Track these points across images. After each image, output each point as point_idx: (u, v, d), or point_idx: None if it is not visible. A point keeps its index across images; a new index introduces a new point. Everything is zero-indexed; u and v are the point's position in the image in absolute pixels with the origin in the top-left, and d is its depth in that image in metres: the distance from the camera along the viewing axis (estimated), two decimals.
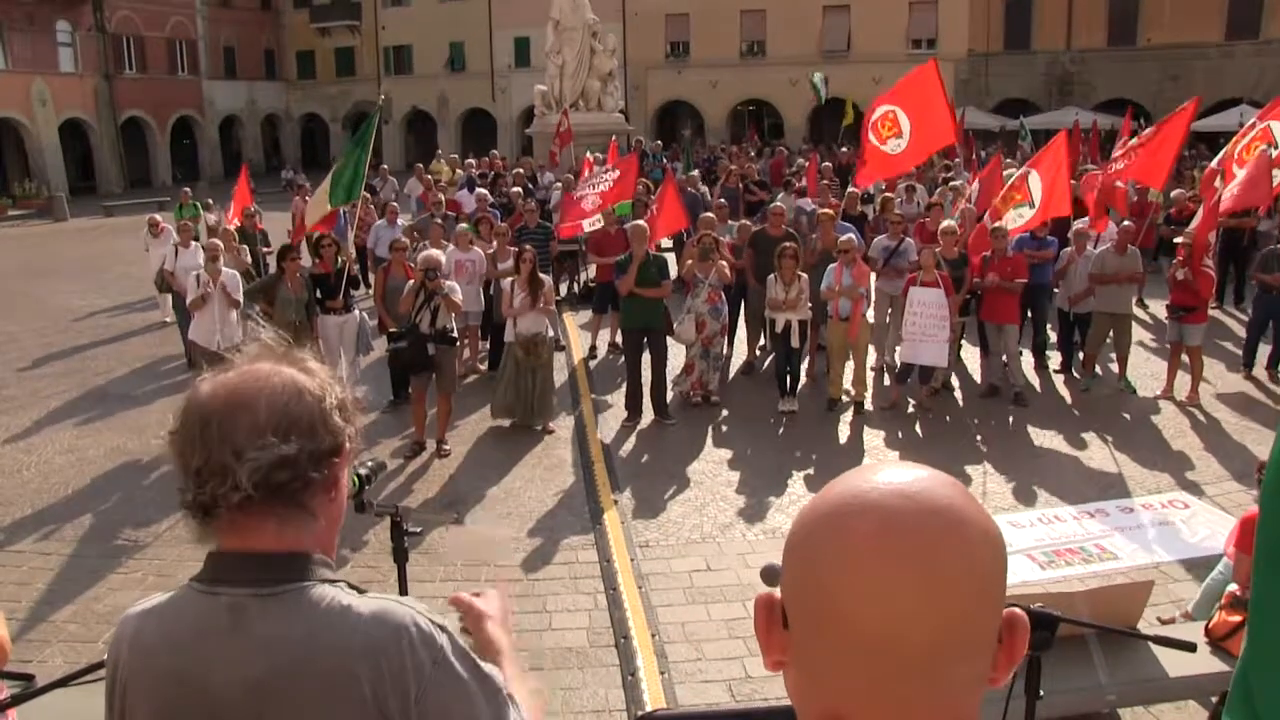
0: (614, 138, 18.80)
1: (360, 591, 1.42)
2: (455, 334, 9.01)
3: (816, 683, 0.86)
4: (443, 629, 1.41)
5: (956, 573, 0.81)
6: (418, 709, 1.35)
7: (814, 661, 0.86)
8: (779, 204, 12.63)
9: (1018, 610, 0.88)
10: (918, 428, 9.37)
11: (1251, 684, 1.15)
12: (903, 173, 13.94)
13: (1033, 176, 10.38)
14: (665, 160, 25.51)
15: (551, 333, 9.51)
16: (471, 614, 1.72)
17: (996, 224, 10.10)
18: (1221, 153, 13.21)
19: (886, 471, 0.87)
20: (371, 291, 11.22)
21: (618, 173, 12.85)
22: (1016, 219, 10.30)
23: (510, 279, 9.28)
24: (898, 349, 9.87)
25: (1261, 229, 13.87)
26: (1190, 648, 3.09)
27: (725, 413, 9.74)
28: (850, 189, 14.74)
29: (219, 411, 1.36)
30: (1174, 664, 4.05)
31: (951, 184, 16.30)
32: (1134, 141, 12.72)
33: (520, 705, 1.48)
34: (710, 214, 11.46)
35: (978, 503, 0.86)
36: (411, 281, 8.77)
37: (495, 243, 11.15)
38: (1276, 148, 12.12)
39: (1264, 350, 10.66)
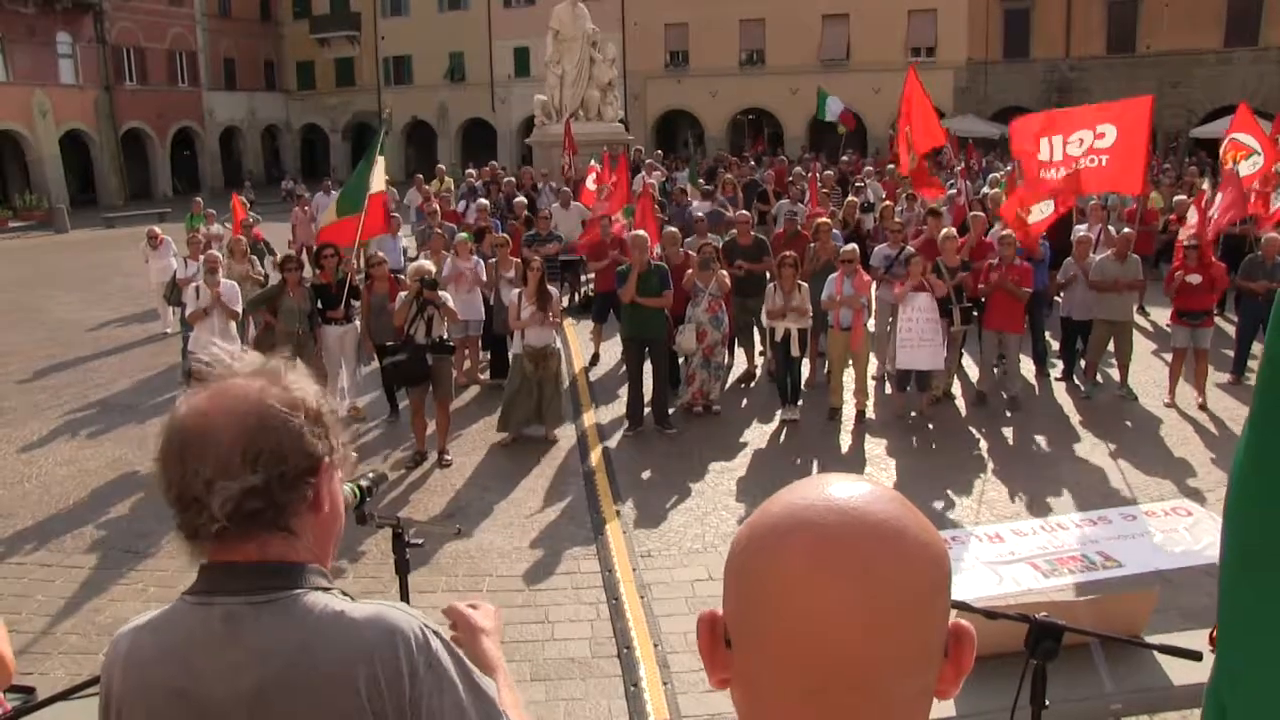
0: (606, 148, 18.82)
1: (352, 599, 1.42)
2: (452, 343, 9.01)
3: (758, 700, 0.86)
4: (437, 634, 1.41)
5: (891, 589, 0.81)
6: (412, 712, 1.35)
7: (754, 679, 0.86)
8: (744, 213, 12.60)
9: (963, 623, 0.88)
10: (919, 436, 9.35)
11: (1224, 697, 1.14)
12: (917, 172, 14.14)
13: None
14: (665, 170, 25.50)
15: (558, 344, 9.48)
16: (466, 627, 1.72)
17: (1012, 221, 10.23)
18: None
19: (827, 486, 0.86)
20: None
21: (614, 179, 13.13)
22: (1040, 213, 10.44)
23: (518, 290, 9.27)
24: (896, 356, 9.87)
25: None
26: (1196, 656, 3.07)
27: (726, 422, 9.73)
28: (850, 198, 14.78)
29: (189, 443, 1.35)
30: (1178, 672, 4.03)
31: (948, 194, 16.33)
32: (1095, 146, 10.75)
33: None
34: (674, 229, 11.13)
35: (920, 518, 0.85)
36: (404, 293, 8.77)
37: (496, 253, 11.14)
38: (1256, 154, 12.31)
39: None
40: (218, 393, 1.39)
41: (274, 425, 1.36)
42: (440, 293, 8.71)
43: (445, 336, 8.68)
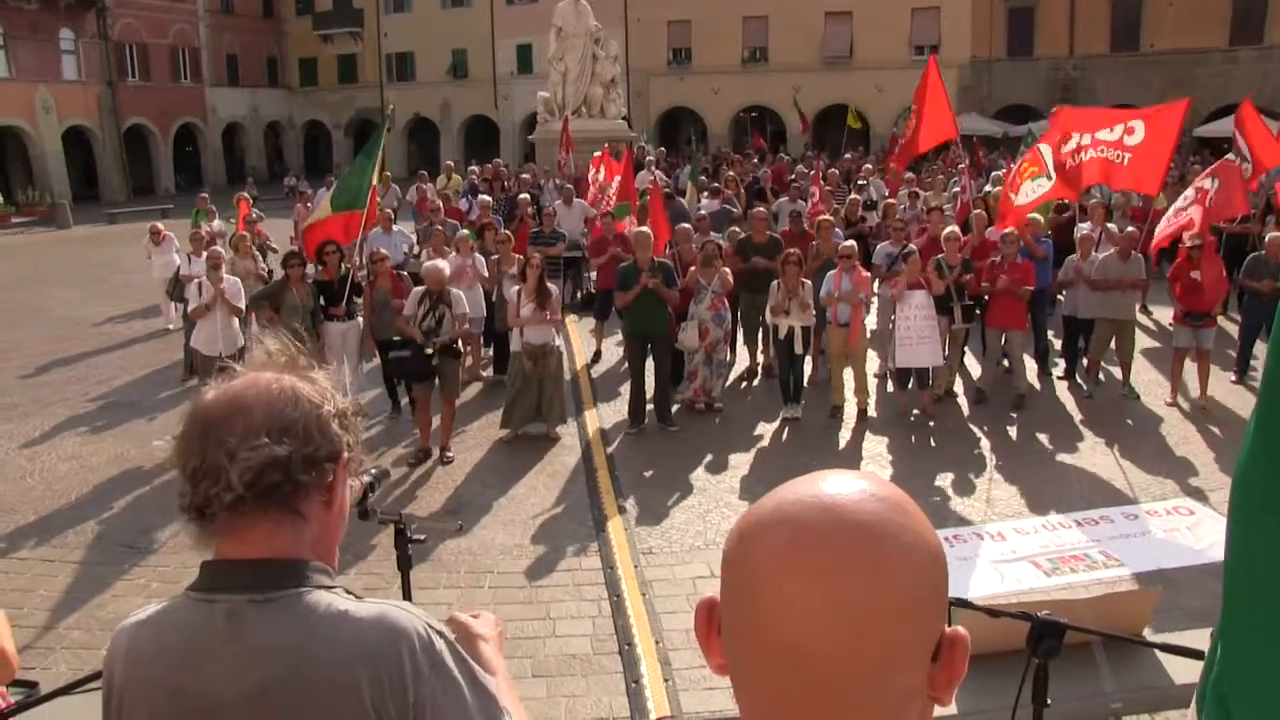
0: (605, 145, 18.82)
1: (357, 597, 1.42)
2: (459, 343, 9.00)
3: (745, 689, 0.87)
4: (441, 634, 1.41)
5: (864, 589, 0.79)
6: (415, 713, 1.35)
7: (739, 669, 0.87)
8: (761, 210, 12.63)
9: (960, 630, 0.86)
10: (921, 434, 9.35)
11: (1226, 696, 1.12)
12: (909, 157, 14.05)
13: (1044, 148, 10.50)
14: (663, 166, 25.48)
15: (557, 342, 9.46)
16: (466, 635, 1.73)
17: (1011, 220, 10.17)
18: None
19: (821, 483, 0.85)
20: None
21: (618, 179, 13.12)
22: (1035, 190, 10.37)
23: (516, 288, 9.25)
24: (896, 355, 9.86)
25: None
26: (1198, 655, 3.08)
27: (728, 419, 9.73)
28: (852, 195, 14.76)
29: (218, 415, 1.38)
30: (1180, 671, 4.04)
31: (950, 190, 16.31)
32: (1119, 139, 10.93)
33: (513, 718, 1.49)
34: (687, 225, 11.35)
35: (913, 520, 0.84)
36: (416, 290, 8.76)
37: (499, 250, 11.13)
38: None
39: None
40: (251, 379, 1.44)
41: (305, 408, 1.41)
42: (453, 290, 8.71)
43: (453, 337, 8.63)
